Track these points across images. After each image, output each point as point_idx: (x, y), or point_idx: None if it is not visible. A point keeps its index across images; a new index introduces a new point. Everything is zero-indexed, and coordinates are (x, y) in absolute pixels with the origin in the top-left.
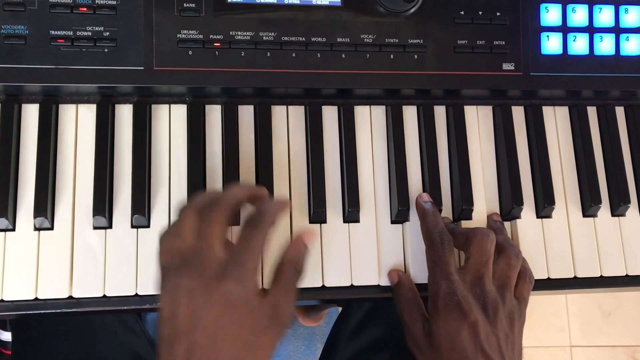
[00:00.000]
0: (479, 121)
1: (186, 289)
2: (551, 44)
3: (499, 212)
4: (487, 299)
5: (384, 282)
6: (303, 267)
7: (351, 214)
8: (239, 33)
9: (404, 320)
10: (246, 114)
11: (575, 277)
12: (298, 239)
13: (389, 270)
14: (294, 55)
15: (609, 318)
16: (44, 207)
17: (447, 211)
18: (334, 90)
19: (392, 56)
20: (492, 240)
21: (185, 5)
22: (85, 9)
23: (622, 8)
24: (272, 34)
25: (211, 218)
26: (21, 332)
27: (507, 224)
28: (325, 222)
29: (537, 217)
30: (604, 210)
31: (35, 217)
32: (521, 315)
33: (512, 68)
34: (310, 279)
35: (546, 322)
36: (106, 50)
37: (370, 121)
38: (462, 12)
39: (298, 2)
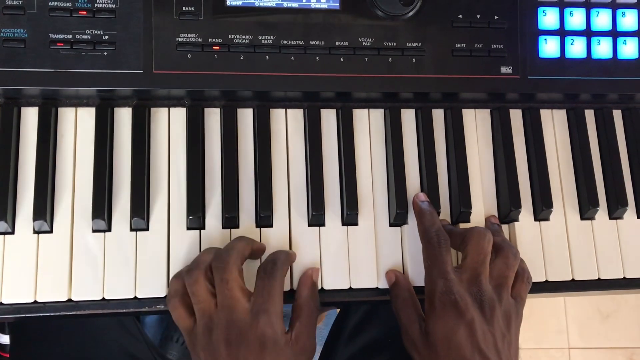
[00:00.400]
0: (477, 124)
1: (224, 342)
2: (549, 48)
3: (497, 215)
4: (484, 298)
5: (383, 284)
6: (318, 302)
7: (350, 216)
8: (238, 36)
9: (401, 320)
10: (245, 117)
11: (573, 280)
12: (306, 277)
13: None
14: (292, 58)
15: (607, 320)
16: (43, 210)
17: (445, 214)
18: (333, 94)
19: (390, 60)
20: (489, 239)
21: (184, 8)
22: (84, 12)
23: (619, 12)
24: (271, 37)
25: (226, 277)
26: (19, 335)
27: (505, 227)
28: (324, 225)
29: (535, 220)
30: (602, 213)
31: (34, 220)
32: (518, 314)
33: (510, 71)
34: None
35: (544, 324)
36: (105, 53)
37: (368, 124)
38: (460, 16)
39: (297, 5)
